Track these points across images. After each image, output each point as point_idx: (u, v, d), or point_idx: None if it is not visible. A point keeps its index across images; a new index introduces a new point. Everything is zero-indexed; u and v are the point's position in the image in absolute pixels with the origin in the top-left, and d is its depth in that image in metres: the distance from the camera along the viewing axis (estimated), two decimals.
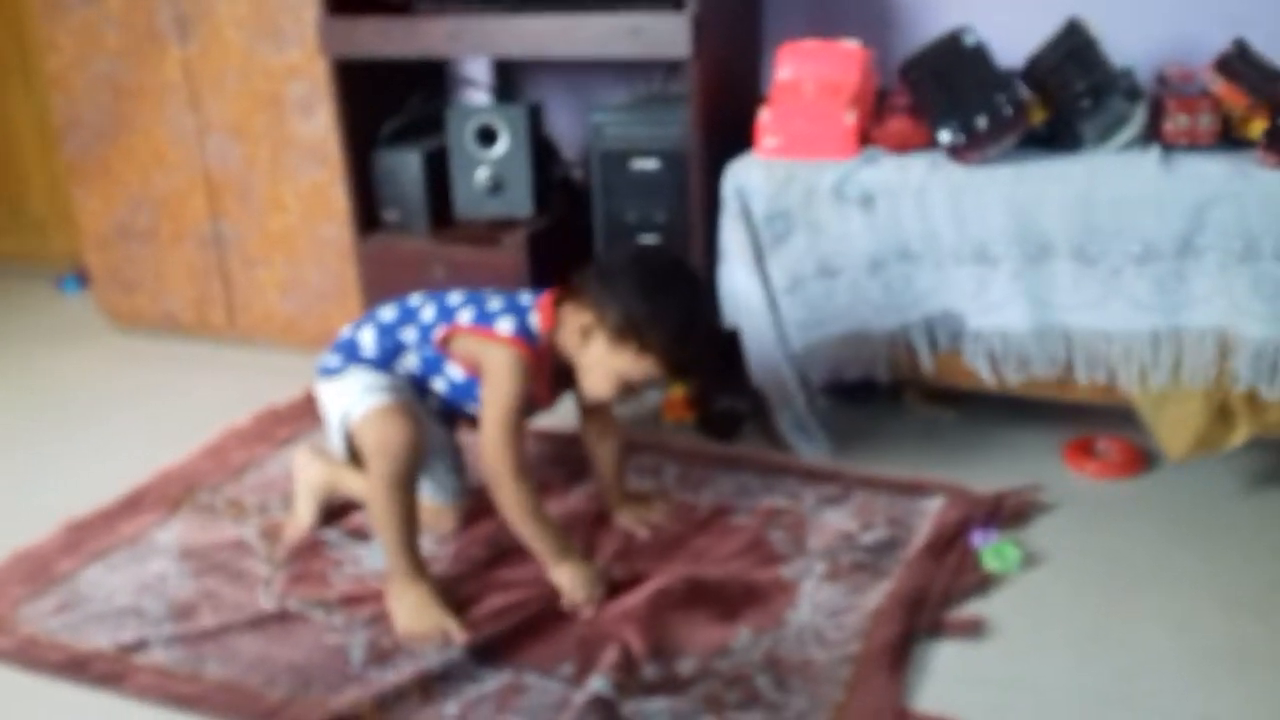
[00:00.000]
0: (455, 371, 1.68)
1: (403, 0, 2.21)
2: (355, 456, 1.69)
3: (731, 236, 1.96)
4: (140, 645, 1.52)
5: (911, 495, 1.86)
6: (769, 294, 1.96)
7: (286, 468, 2.00)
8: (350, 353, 1.71)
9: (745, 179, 1.94)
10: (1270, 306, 1.68)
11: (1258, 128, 1.76)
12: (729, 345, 2.02)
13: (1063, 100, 1.87)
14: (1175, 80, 1.93)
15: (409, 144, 2.33)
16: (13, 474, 2.10)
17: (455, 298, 1.71)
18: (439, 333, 1.67)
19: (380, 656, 1.48)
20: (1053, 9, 1.99)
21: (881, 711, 1.35)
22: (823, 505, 1.84)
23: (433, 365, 1.70)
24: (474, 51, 2.17)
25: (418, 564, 1.58)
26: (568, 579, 1.58)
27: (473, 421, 1.74)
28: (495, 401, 1.59)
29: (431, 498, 1.77)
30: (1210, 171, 1.72)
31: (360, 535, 1.79)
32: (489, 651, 1.48)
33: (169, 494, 1.94)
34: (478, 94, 2.57)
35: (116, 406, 2.40)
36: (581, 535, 1.76)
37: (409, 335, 1.70)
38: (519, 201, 2.26)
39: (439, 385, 1.71)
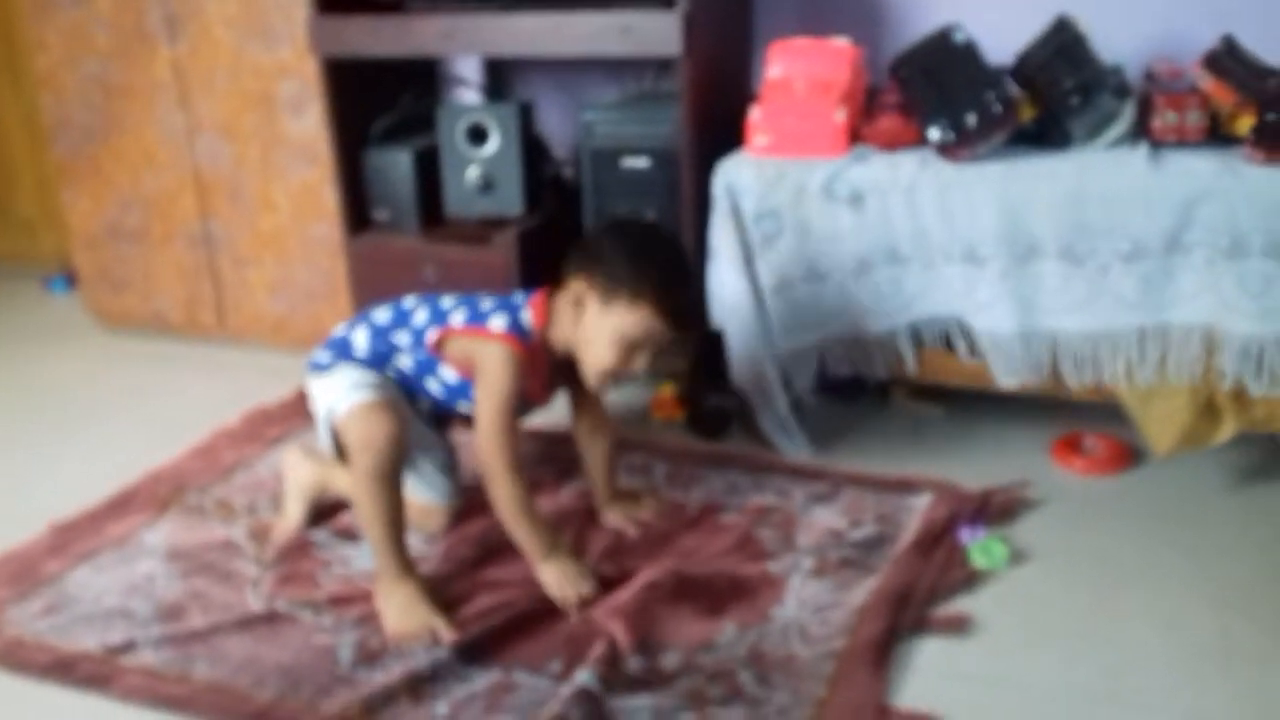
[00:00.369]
0: (448, 374, 1.68)
1: None
2: (343, 453, 1.68)
3: (721, 235, 1.96)
4: (128, 646, 1.51)
5: (900, 492, 1.86)
6: (757, 294, 1.96)
7: (275, 468, 1.99)
8: (342, 350, 1.71)
9: (735, 177, 1.94)
10: (1257, 303, 1.68)
11: (1245, 124, 1.77)
12: (716, 344, 2.03)
13: (1052, 97, 1.88)
14: (1164, 77, 1.93)
15: (399, 143, 2.33)
16: (0, 474, 2.10)
17: (448, 301, 1.71)
18: (432, 336, 1.67)
19: (369, 657, 1.48)
20: (1042, 6, 2.00)
21: (863, 708, 1.35)
22: (812, 503, 1.84)
23: (426, 367, 1.69)
24: (465, 50, 2.17)
25: (405, 562, 1.58)
26: (553, 577, 1.58)
27: (466, 421, 1.74)
28: (490, 396, 1.59)
29: (421, 496, 1.77)
30: (1198, 168, 1.72)
31: (349, 536, 1.78)
32: (478, 650, 1.48)
33: (158, 494, 1.94)
34: (468, 93, 2.57)
35: (105, 407, 2.40)
36: (572, 533, 1.76)
37: (402, 339, 1.70)
38: (510, 200, 2.26)
39: (432, 387, 1.71)
